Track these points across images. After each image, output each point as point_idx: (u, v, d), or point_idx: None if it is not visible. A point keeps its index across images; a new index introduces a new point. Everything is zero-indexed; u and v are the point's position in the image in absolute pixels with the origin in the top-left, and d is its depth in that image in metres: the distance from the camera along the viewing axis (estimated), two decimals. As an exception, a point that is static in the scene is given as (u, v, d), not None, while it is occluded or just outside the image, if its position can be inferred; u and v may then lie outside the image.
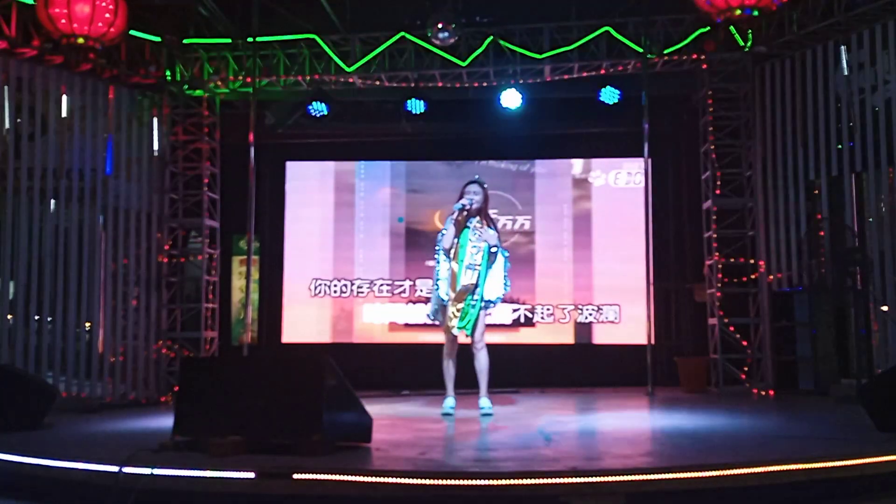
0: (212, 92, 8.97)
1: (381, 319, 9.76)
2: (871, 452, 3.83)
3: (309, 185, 10.09)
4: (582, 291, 9.56)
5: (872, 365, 6.84)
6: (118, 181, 8.24)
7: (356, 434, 4.33)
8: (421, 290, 9.59)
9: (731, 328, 8.26)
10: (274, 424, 4.09)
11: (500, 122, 9.20)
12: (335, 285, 9.84)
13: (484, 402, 6.02)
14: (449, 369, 6.12)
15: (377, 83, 8.80)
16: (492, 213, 9.47)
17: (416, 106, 8.66)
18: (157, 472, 3.62)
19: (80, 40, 6.69)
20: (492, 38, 8.41)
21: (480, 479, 3.41)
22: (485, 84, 8.72)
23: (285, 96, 9.33)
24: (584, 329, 9.53)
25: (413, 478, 3.47)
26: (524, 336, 9.52)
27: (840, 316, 7.53)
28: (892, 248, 7.10)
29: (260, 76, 8.65)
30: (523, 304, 9.58)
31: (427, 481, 3.44)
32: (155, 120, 8.70)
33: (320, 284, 9.86)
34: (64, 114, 7.86)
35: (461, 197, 6.12)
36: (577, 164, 9.80)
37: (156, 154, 8.71)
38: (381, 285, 9.79)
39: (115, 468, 3.67)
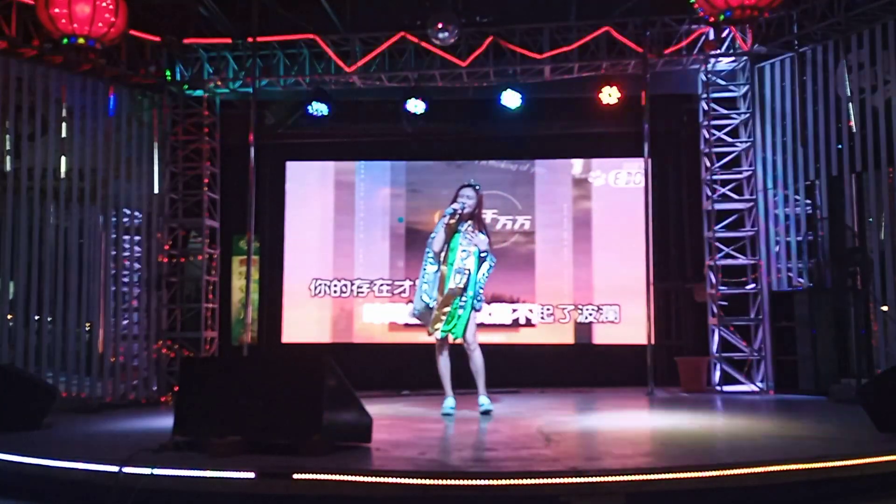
0: (212, 92, 8.97)
1: (381, 319, 9.76)
2: (871, 452, 3.82)
3: (309, 185, 10.10)
4: (582, 291, 9.56)
5: (872, 365, 6.84)
6: (118, 181, 8.24)
7: (356, 434, 4.32)
8: (421, 290, 9.59)
9: (731, 328, 8.26)
10: (274, 424, 4.09)
11: (500, 122, 9.20)
12: (335, 285, 9.84)
13: (483, 399, 6.03)
14: (444, 367, 6.11)
15: (377, 83, 8.80)
16: (492, 212, 9.66)
17: (417, 106, 8.67)
18: (157, 472, 3.62)
19: (81, 40, 6.69)
20: (492, 38, 8.41)
21: (480, 479, 3.41)
22: (485, 84, 8.72)
23: (285, 96, 9.33)
24: (584, 329, 9.53)
25: (413, 478, 3.47)
26: (524, 336, 9.52)
27: (840, 316, 7.53)
28: (892, 248, 7.10)
29: (260, 76, 8.65)
30: (523, 303, 9.59)
31: (427, 481, 3.44)
32: (155, 120, 8.70)
33: (320, 284, 9.86)
34: (64, 114, 7.85)
35: (455, 199, 6.11)
36: (577, 164, 9.81)
37: (156, 154, 8.70)
38: (381, 285, 9.79)
39: (115, 468, 3.67)
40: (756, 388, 7.99)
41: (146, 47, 8.44)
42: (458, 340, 6.04)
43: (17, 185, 7.43)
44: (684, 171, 9.59)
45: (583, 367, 9.24)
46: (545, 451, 4.24)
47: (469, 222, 6.08)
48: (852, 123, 7.52)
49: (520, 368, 8.85)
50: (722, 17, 6.65)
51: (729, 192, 8.44)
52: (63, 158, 7.78)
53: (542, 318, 9.55)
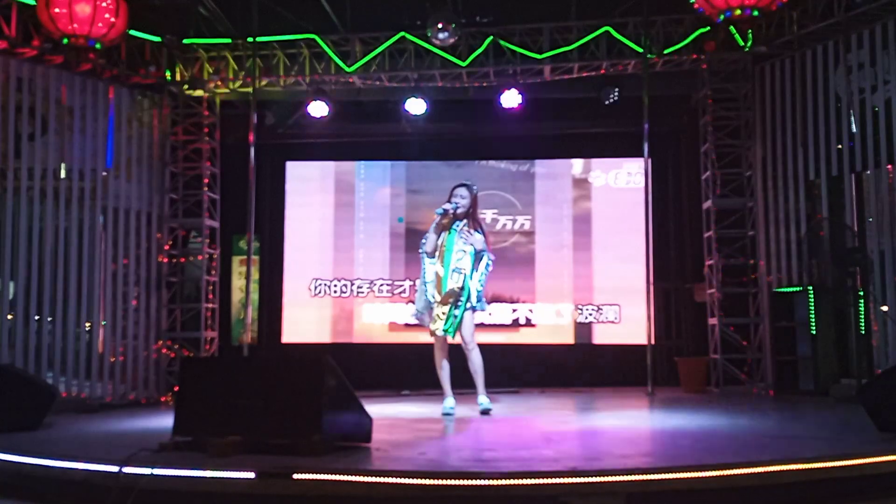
0: (212, 92, 8.97)
1: (381, 319, 9.77)
2: (871, 452, 3.82)
3: (309, 185, 10.10)
4: (582, 291, 9.56)
5: (872, 365, 6.84)
6: (118, 181, 8.24)
7: (356, 434, 4.32)
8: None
9: (731, 328, 8.26)
10: (274, 424, 4.09)
11: (500, 122, 9.21)
12: (335, 285, 9.84)
13: (482, 398, 6.03)
14: (443, 370, 6.13)
15: (377, 83, 8.80)
16: (492, 212, 9.66)
17: (417, 106, 8.68)
18: (157, 472, 3.62)
19: (81, 40, 6.69)
20: (492, 38, 8.42)
21: (480, 479, 3.41)
22: (485, 84, 8.72)
23: (285, 96, 9.33)
24: (584, 329, 9.53)
25: (413, 478, 3.46)
26: (524, 336, 9.52)
27: (840, 316, 7.53)
28: (892, 248, 7.10)
29: (260, 76, 8.65)
30: (523, 303, 9.59)
31: (427, 481, 3.44)
32: (155, 120, 8.70)
33: (320, 284, 9.86)
34: (64, 114, 7.85)
35: (449, 199, 6.11)
36: (577, 164, 9.81)
37: (156, 154, 8.70)
38: (381, 285, 9.79)
39: (115, 468, 3.67)
40: (756, 388, 7.99)
41: (146, 47, 8.44)
42: (457, 340, 6.04)
43: (17, 185, 7.42)
44: (684, 171, 9.59)
45: (583, 367, 9.25)
46: (545, 451, 4.24)
47: (464, 222, 6.07)
48: (852, 123, 7.52)
49: (520, 368, 8.85)
50: (722, 17, 6.65)
51: (729, 192, 8.44)
52: (63, 158, 7.78)
53: (542, 318, 9.55)
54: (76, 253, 7.77)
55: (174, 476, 3.62)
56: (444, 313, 5.94)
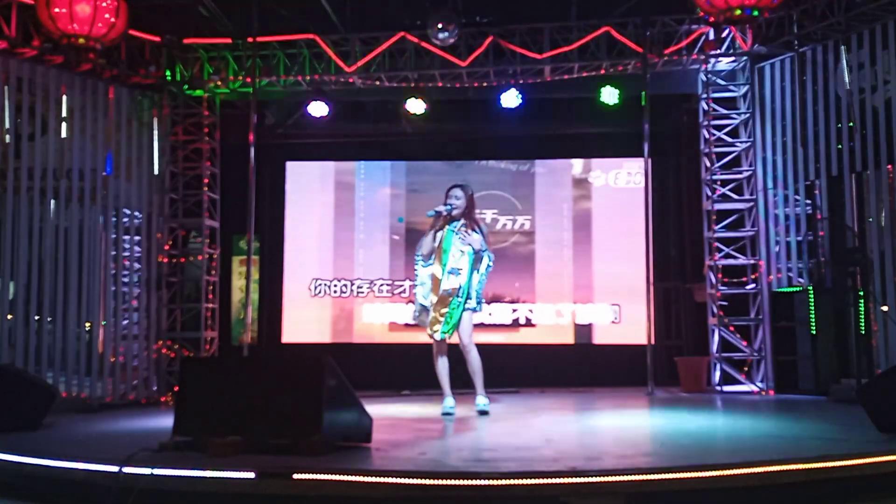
0: (212, 92, 8.97)
1: (381, 319, 9.77)
2: (871, 452, 3.82)
3: (309, 185, 10.10)
4: (582, 291, 9.57)
5: (872, 365, 6.83)
6: (118, 181, 8.24)
7: (356, 434, 4.33)
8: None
9: (731, 328, 8.26)
10: (274, 424, 4.09)
11: (500, 122, 9.21)
12: (335, 285, 9.84)
13: (480, 399, 6.03)
14: (442, 369, 6.11)
15: (377, 83, 8.80)
16: (492, 212, 9.66)
17: (417, 106, 8.67)
18: (157, 472, 3.62)
19: (81, 40, 6.69)
20: (492, 38, 8.41)
21: (480, 479, 3.40)
22: (485, 84, 8.72)
23: (285, 96, 9.33)
24: (584, 329, 9.53)
25: (413, 478, 3.46)
26: (524, 336, 9.53)
27: (840, 316, 7.53)
28: (893, 248, 7.10)
29: (260, 76, 8.65)
30: (523, 303, 9.59)
31: (427, 481, 3.44)
32: (155, 120, 8.70)
33: (320, 284, 9.86)
34: (64, 114, 7.85)
35: (445, 200, 6.10)
36: (577, 164, 9.81)
37: (156, 154, 8.70)
38: (381, 285, 9.79)
39: (115, 468, 3.67)
40: (756, 388, 7.99)
41: (146, 47, 8.44)
42: (455, 340, 6.03)
43: (17, 185, 7.42)
44: (684, 171, 9.60)
45: (583, 367, 9.25)
46: (545, 451, 4.24)
47: (461, 222, 6.06)
48: (852, 123, 7.52)
49: (520, 368, 8.85)
50: (722, 17, 6.65)
51: (729, 192, 8.44)
52: (63, 158, 7.78)
53: (542, 318, 9.55)
54: (76, 253, 7.77)
55: (174, 476, 3.62)
56: (442, 315, 5.93)
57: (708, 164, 8.51)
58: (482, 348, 6.09)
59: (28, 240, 7.41)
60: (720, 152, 8.50)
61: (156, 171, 8.68)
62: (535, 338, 9.52)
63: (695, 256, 9.12)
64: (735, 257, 8.36)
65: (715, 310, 8.27)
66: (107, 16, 6.71)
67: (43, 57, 7.50)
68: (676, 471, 3.49)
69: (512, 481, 3.40)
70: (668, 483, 3.43)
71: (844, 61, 7.59)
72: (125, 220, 8.35)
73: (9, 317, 7.26)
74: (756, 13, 6.55)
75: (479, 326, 6.30)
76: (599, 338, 9.49)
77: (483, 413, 5.93)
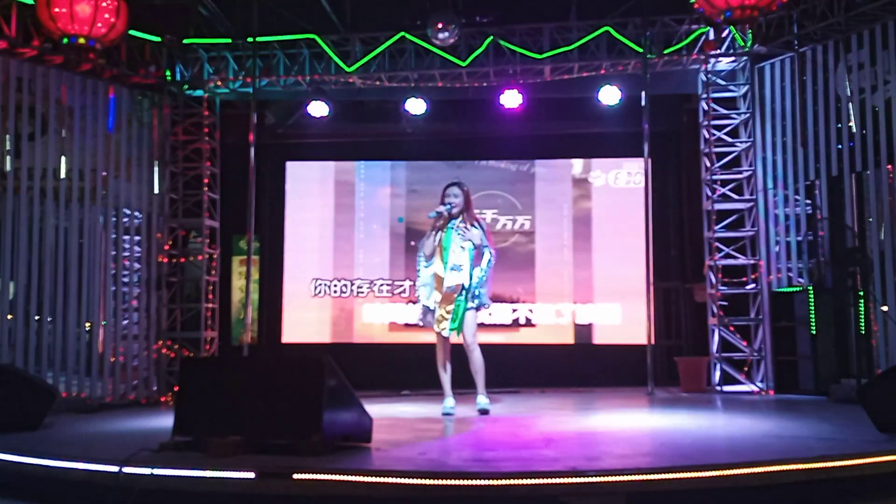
0: (212, 92, 8.97)
1: (381, 319, 9.77)
2: (871, 452, 3.82)
3: (309, 185, 10.10)
4: (582, 291, 9.57)
5: (872, 365, 6.83)
6: (118, 181, 8.24)
7: (356, 434, 4.33)
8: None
9: (731, 328, 8.26)
10: (274, 424, 4.09)
11: (500, 122, 9.21)
12: (335, 285, 9.84)
13: (481, 399, 6.04)
14: (444, 370, 6.12)
15: (377, 83, 8.80)
16: (492, 212, 9.66)
17: (417, 106, 8.68)
18: (157, 472, 3.62)
19: (81, 40, 6.69)
20: (492, 38, 8.41)
21: (480, 479, 3.41)
22: (485, 84, 8.72)
23: (285, 96, 9.33)
24: (584, 329, 9.53)
25: (413, 478, 3.47)
26: (524, 336, 9.53)
27: (840, 316, 7.53)
28: (892, 248, 7.10)
29: (260, 76, 8.65)
30: (523, 303, 9.59)
31: (427, 481, 3.44)
32: (155, 120, 8.70)
33: (320, 284, 9.86)
34: (64, 114, 7.85)
35: (442, 201, 6.11)
36: (577, 164, 9.81)
37: (156, 154, 8.70)
38: (381, 285, 9.79)
39: (115, 468, 3.67)
40: (756, 388, 7.99)
41: (146, 47, 8.44)
42: (458, 339, 6.03)
43: (17, 185, 7.42)
44: (684, 171, 9.60)
45: (583, 367, 9.24)
46: (545, 451, 4.24)
47: (460, 219, 6.08)
48: (852, 123, 7.52)
49: (520, 368, 8.85)
50: (722, 17, 6.65)
51: (729, 192, 8.44)
52: (63, 158, 7.78)
53: (542, 318, 9.55)
54: (76, 253, 7.77)
55: (174, 476, 3.62)
56: (448, 312, 5.95)
57: (708, 164, 8.51)
58: (482, 348, 6.10)
59: (28, 240, 7.41)
60: (720, 152, 8.50)
61: (156, 171, 8.68)
62: (535, 338, 9.52)
63: (695, 256, 9.12)
64: (735, 257, 8.36)
65: (715, 310, 8.27)
66: (107, 16, 6.71)
67: (43, 57, 7.50)
68: (676, 471, 3.49)
69: (512, 481, 3.40)
70: (668, 483, 3.44)
71: (844, 61, 7.59)
72: (125, 220, 8.34)
73: (9, 317, 7.26)
74: (756, 13, 6.55)
75: (479, 326, 6.27)
76: (599, 338, 9.49)
77: (483, 412, 5.94)
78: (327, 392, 4.06)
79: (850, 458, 3.73)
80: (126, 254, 8.33)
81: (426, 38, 8.24)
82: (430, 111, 8.77)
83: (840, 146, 7.66)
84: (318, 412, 3.99)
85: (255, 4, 8.34)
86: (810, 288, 7.60)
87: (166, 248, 8.70)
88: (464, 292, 5.96)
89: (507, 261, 9.41)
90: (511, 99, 8.54)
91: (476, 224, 6.13)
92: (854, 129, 7.52)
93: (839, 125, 7.67)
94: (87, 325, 7.93)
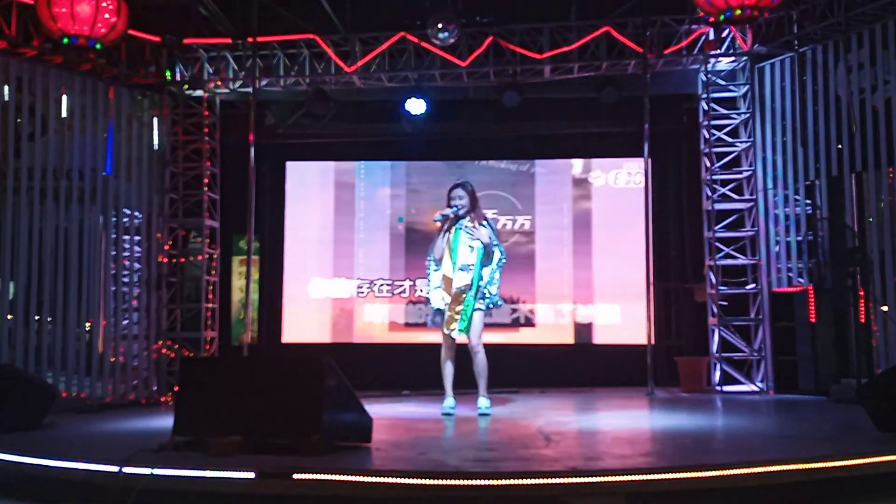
0: (212, 92, 8.97)
1: (381, 319, 9.76)
2: (871, 452, 3.83)
3: (309, 185, 10.10)
4: (582, 291, 9.56)
5: (872, 365, 6.84)
6: (118, 181, 8.24)
7: (356, 434, 4.33)
8: (421, 291, 9.60)
9: (731, 328, 8.27)
10: (274, 424, 4.09)
11: (500, 122, 9.21)
12: (335, 285, 9.84)
13: (482, 401, 6.03)
14: (447, 372, 6.11)
15: (377, 83, 8.80)
16: (492, 212, 9.64)
17: (417, 106, 8.68)
18: (157, 472, 3.62)
19: (82, 40, 6.69)
20: (492, 38, 8.41)
21: (480, 479, 3.41)
22: (485, 84, 8.71)
23: (285, 96, 9.33)
24: (584, 329, 9.53)
25: (413, 478, 3.47)
26: (524, 336, 9.52)
27: (840, 316, 7.53)
28: (893, 248, 7.10)
29: (260, 76, 8.65)
30: (523, 303, 9.59)
31: (427, 481, 3.44)
32: (155, 120, 8.70)
33: (320, 284, 9.85)
34: (64, 114, 7.85)
35: (448, 203, 6.11)
36: (577, 164, 9.81)
37: (156, 154, 8.71)
38: (381, 285, 9.79)
39: (115, 468, 3.67)
40: (756, 388, 7.99)
41: (146, 47, 8.44)
42: (464, 339, 6.02)
43: (17, 185, 7.42)
44: (684, 171, 9.59)
45: (583, 367, 9.24)
46: (545, 451, 4.25)
47: (468, 218, 6.08)
48: (854, 127, 7.51)
49: (520, 368, 8.84)
50: (722, 17, 6.65)
51: (729, 192, 8.44)
52: (63, 158, 7.78)
53: (542, 318, 9.54)
54: (76, 253, 7.77)
55: (174, 476, 3.63)
56: (457, 312, 5.94)
57: (708, 164, 8.51)
58: (467, 349, 6.09)
59: (28, 240, 7.41)
60: (720, 152, 8.50)
61: (156, 171, 8.68)
62: (535, 338, 9.51)
63: (695, 256, 9.12)
64: (735, 257, 8.36)
65: (715, 310, 8.27)
66: (107, 16, 6.72)
67: (43, 57, 7.50)
68: (676, 471, 3.49)
69: (512, 481, 3.40)
70: (668, 483, 3.44)
71: (844, 61, 7.59)
72: (125, 220, 8.35)
73: (9, 317, 7.26)
74: (756, 13, 6.55)
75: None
76: (599, 338, 9.48)
77: (483, 415, 5.93)
78: (327, 392, 4.06)
79: (850, 458, 3.73)
80: (126, 254, 8.34)
81: (426, 38, 8.24)
82: (430, 111, 8.77)
83: (840, 146, 7.65)
84: (318, 412, 3.99)
85: (255, 4, 8.33)
86: (810, 288, 7.60)
87: (166, 248, 8.70)
88: (471, 292, 5.95)
89: (508, 261, 9.37)
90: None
91: (485, 223, 6.13)
92: (854, 130, 7.51)
93: (839, 125, 7.66)
94: (88, 325, 7.93)
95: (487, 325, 8.60)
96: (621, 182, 9.67)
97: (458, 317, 5.93)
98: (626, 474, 3.45)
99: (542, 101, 9.14)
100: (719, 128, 8.51)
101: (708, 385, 8.31)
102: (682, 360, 8.61)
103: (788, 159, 8.10)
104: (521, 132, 9.66)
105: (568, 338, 9.52)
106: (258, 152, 8.63)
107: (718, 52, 8.29)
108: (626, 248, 9.27)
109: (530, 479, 3.41)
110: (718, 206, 8.38)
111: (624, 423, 5.76)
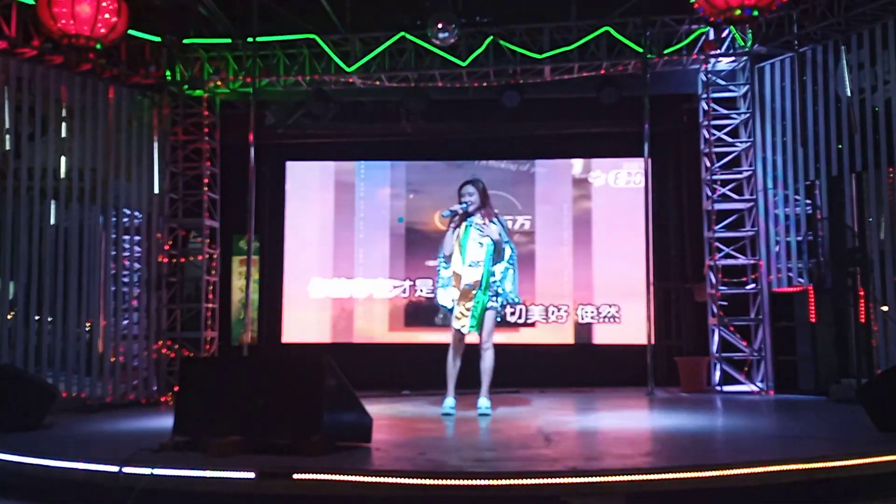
0: (212, 92, 8.97)
1: (381, 319, 9.76)
2: (871, 452, 3.82)
3: (309, 185, 10.10)
4: (582, 291, 9.56)
5: (872, 365, 6.84)
6: (118, 181, 8.24)
7: (356, 434, 4.33)
8: (421, 290, 9.61)
9: (731, 328, 8.26)
10: (274, 424, 4.09)
11: (500, 122, 9.20)
12: (335, 285, 9.83)
13: (482, 401, 6.02)
14: (452, 367, 6.08)
15: (377, 83, 8.80)
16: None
17: (418, 106, 8.67)
18: (157, 472, 3.62)
19: (82, 40, 6.69)
20: (492, 38, 8.41)
21: (480, 479, 3.41)
22: (485, 84, 8.72)
23: (285, 96, 9.33)
24: (584, 329, 9.53)
25: (413, 478, 3.47)
26: (524, 336, 9.52)
27: (840, 316, 7.53)
28: (893, 248, 7.10)
29: (260, 76, 8.65)
30: (523, 304, 9.58)
31: (427, 481, 3.44)
32: (155, 120, 8.70)
33: (320, 284, 9.85)
34: (64, 114, 7.85)
35: (459, 199, 6.13)
36: (577, 164, 9.81)
37: (156, 154, 8.70)
38: (381, 285, 9.78)
39: (115, 468, 3.67)
40: (756, 388, 8.00)
41: (146, 47, 8.44)
42: (474, 337, 6.01)
43: (17, 185, 7.42)
44: (684, 171, 9.59)
45: (583, 367, 9.24)
46: (545, 451, 4.25)
47: (478, 215, 6.09)
48: (852, 123, 7.52)
49: (520, 368, 8.84)
50: (722, 17, 6.65)
51: (729, 192, 8.44)
52: (63, 158, 7.78)
53: (542, 318, 9.55)
54: (76, 253, 7.77)
55: (174, 476, 3.63)
56: (467, 309, 5.93)
57: (708, 164, 8.51)
58: (477, 348, 6.09)
59: (28, 240, 7.41)
60: (720, 152, 8.51)
61: (156, 171, 8.68)
62: (535, 338, 9.51)
63: (695, 256, 9.12)
64: (735, 257, 8.36)
65: (715, 310, 8.27)
66: (107, 16, 6.71)
67: (43, 57, 7.50)
68: (676, 471, 3.49)
69: (512, 481, 3.40)
70: (668, 483, 3.44)
71: (844, 61, 7.58)
72: (125, 220, 8.34)
73: (9, 317, 7.26)
74: (756, 13, 6.55)
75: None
76: (599, 338, 9.48)
77: (483, 415, 5.92)
78: (327, 392, 4.06)
79: (850, 458, 3.73)
80: (126, 254, 8.33)
81: (426, 38, 8.24)
82: (430, 111, 8.77)
83: (840, 146, 7.65)
84: (318, 412, 3.99)
85: (255, 4, 8.34)
86: (810, 288, 7.60)
87: (166, 248, 8.70)
88: (481, 289, 5.95)
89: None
90: (512, 99, 8.53)
91: (495, 219, 6.14)
92: (854, 129, 7.51)
93: (839, 125, 7.66)
94: (87, 325, 7.93)
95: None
96: (621, 182, 9.67)
97: (467, 314, 5.92)
98: (626, 474, 3.45)
99: (542, 101, 9.14)
100: (719, 128, 8.51)
101: (708, 385, 8.31)
102: (682, 360, 8.61)
103: (788, 159, 8.10)
104: (521, 132, 9.65)
105: (568, 338, 9.52)
106: (258, 152, 8.64)
107: (718, 52, 8.29)
108: (626, 248, 9.27)
109: (530, 479, 3.41)
110: (718, 206, 8.38)
111: (624, 423, 5.76)
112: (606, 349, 9.39)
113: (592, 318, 9.52)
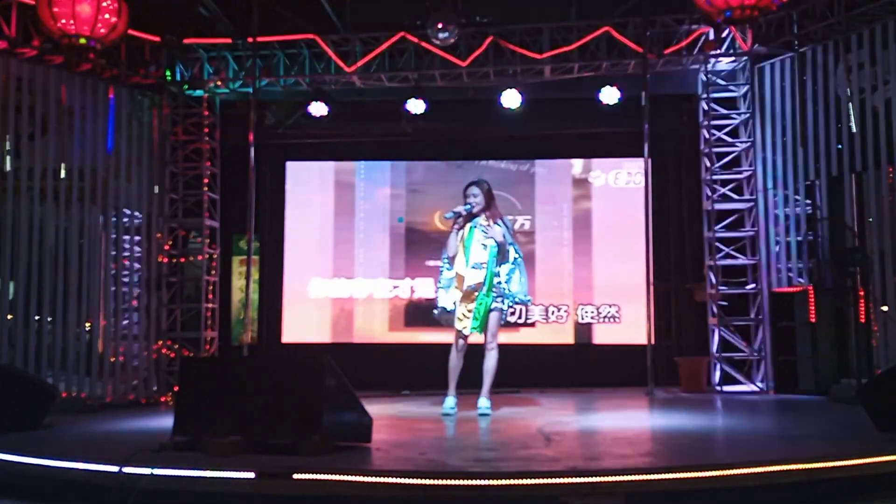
0: (212, 92, 8.97)
1: (381, 319, 9.76)
2: (871, 452, 3.83)
3: (309, 185, 10.09)
4: (582, 291, 9.56)
5: (872, 365, 6.84)
6: (118, 181, 8.24)
7: (356, 434, 4.33)
8: (416, 292, 9.61)
9: (731, 328, 8.26)
10: (274, 424, 4.09)
11: (500, 122, 9.20)
12: (335, 285, 9.83)
13: (483, 401, 6.02)
14: (455, 365, 6.08)
15: (377, 83, 8.80)
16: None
17: (417, 106, 8.68)
18: (157, 472, 3.62)
19: (82, 41, 6.68)
20: (492, 38, 8.41)
21: (480, 479, 3.41)
22: (485, 84, 8.71)
23: (285, 96, 9.33)
24: (584, 329, 9.53)
25: (413, 478, 3.47)
26: (524, 336, 9.51)
27: (840, 316, 7.53)
28: (893, 248, 7.10)
29: (260, 76, 8.65)
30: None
31: (427, 481, 3.44)
32: (155, 120, 8.70)
33: (320, 284, 9.85)
34: (64, 114, 7.85)
35: (464, 201, 6.13)
36: (577, 164, 9.80)
37: (156, 154, 8.71)
38: (381, 285, 9.78)
39: (115, 468, 3.68)
40: (756, 388, 8.00)
41: (146, 47, 8.44)
42: (478, 338, 6.01)
43: (17, 185, 7.42)
44: (684, 171, 9.58)
45: (583, 367, 9.24)
46: (545, 451, 4.25)
47: (483, 217, 6.09)
48: (852, 123, 7.51)
49: (520, 368, 8.83)
50: (722, 17, 6.64)
51: (729, 192, 8.44)
52: (63, 158, 7.77)
53: (542, 318, 9.55)
54: (76, 253, 7.77)
55: (174, 476, 3.63)
56: (469, 310, 5.94)
57: (708, 164, 8.51)
58: (481, 348, 6.09)
59: (28, 240, 7.41)
60: (720, 152, 8.51)
61: (156, 171, 8.68)
62: (535, 338, 9.51)
63: (695, 256, 9.12)
64: (735, 257, 8.36)
65: (715, 310, 8.27)
66: (107, 16, 6.70)
67: (43, 57, 7.50)
68: (676, 471, 3.49)
69: (512, 481, 3.40)
70: (667, 483, 3.44)
71: (844, 61, 7.58)
72: (125, 220, 8.34)
73: (9, 317, 7.26)
74: (756, 13, 6.55)
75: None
76: (599, 338, 9.48)
77: (483, 415, 5.92)
78: (327, 392, 4.06)
79: (850, 458, 3.73)
80: (126, 254, 8.33)
81: (426, 38, 8.24)
82: (430, 111, 8.77)
83: (840, 146, 7.65)
84: (318, 412, 3.99)
85: (255, 4, 8.34)
86: (810, 288, 7.60)
87: (166, 248, 8.70)
88: (484, 290, 5.94)
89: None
90: (511, 99, 8.53)
91: (500, 221, 6.13)
92: (854, 129, 7.51)
93: (839, 125, 7.66)
94: (87, 325, 7.93)
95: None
96: (621, 182, 9.66)
97: (469, 315, 5.93)
98: (626, 474, 3.46)
99: (542, 101, 9.13)
100: (719, 128, 8.51)
101: (708, 385, 8.31)
102: (682, 360, 8.61)
103: (788, 159, 8.10)
104: (521, 132, 9.65)
105: (568, 338, 9.52)
106: (258, 152, 8.64)
107: (718, 52, 8.29)
108: (626, 248, 9.26)
109: (530, 479, 3.41)
110: (718, 206, 8.38)
111: (624, 423, 5.76)
112: (606, 349, 9.38)
113: (592, 318, 9.52)
